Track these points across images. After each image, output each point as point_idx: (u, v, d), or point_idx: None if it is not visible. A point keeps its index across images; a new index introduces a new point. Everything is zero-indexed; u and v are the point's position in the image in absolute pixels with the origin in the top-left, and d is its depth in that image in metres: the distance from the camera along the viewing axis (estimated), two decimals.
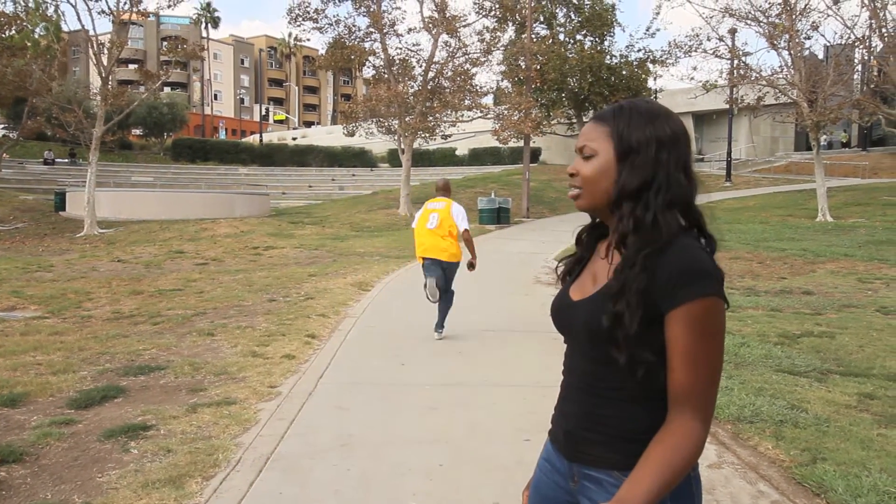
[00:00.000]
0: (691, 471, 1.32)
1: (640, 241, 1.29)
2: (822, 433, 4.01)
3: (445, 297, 7.12)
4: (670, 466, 1.21)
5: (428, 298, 6.98)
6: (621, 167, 1.34)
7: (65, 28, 28.75)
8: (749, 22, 21.66)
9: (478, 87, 26.63)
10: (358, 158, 45.24)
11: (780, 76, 21.87)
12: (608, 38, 38.04)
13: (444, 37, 25.52)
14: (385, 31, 25.53)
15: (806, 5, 20.85)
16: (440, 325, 7.10)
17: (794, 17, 20.52)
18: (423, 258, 7.14)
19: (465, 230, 7.20)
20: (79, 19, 27.75)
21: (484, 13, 26.57)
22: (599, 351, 1.34)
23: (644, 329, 1.27)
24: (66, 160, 38.96)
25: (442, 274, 7.03)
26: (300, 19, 25.60)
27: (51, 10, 23.68)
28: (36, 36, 24.77)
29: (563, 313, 1.45)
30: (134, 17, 24.42)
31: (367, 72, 28.91)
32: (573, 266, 1.52)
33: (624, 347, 1.28)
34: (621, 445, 1.32)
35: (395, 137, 26.75)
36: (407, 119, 25.39)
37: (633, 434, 1.32)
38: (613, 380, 1.34)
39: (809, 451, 3.74)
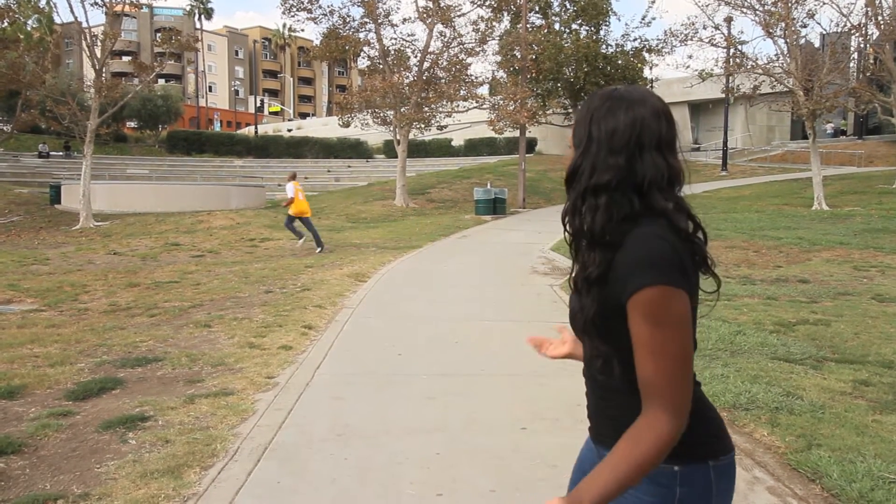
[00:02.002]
0: (711, 460, 1.34)
1: (580, 232, 1.36)
2: (817, 420, 4.04)
3: (312, 228, 14.68)
4: (628, 459, 1.22)
5: (299, 235, 15.10)
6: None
7: (57, 20, 28.64)
8: (745, 10, 21.62)
9: (473, 78, 26.54)
10: (354, 150, 45.10)
11: (777, 65, 21.83)
12: (604, 27, 37.85)
13: (439, 27, 25.39)
14: (379, 21, 25.39)
15: None
16: (320, 244, 14.52)
17: (790, 4, 20.46)
18: (303, 215, 14.64)
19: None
20: (71, 11, 27.55)
21: (479, 3, 26.44)
22: (591, 346, 1.40)
23: (609, 323, 1.31)
24: (61, 153, 38.78)
25: (307, 219, 14.70)
26: (294, 9, 25.44)
27: (43, 2, 23.59)
28: (28, 28, 24.63)
29: (571, 312, 1.49)
30: (127, 8, 24.25)
31: (362, 62, 28.81)
32: None
33: (596, 339, 1.35)
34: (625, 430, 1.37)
35: (391, 128, 26.66)
36: (402, 110, 25.30)
37: (633, 421, 1.34)
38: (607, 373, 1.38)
39: (805, 438, 3.76)
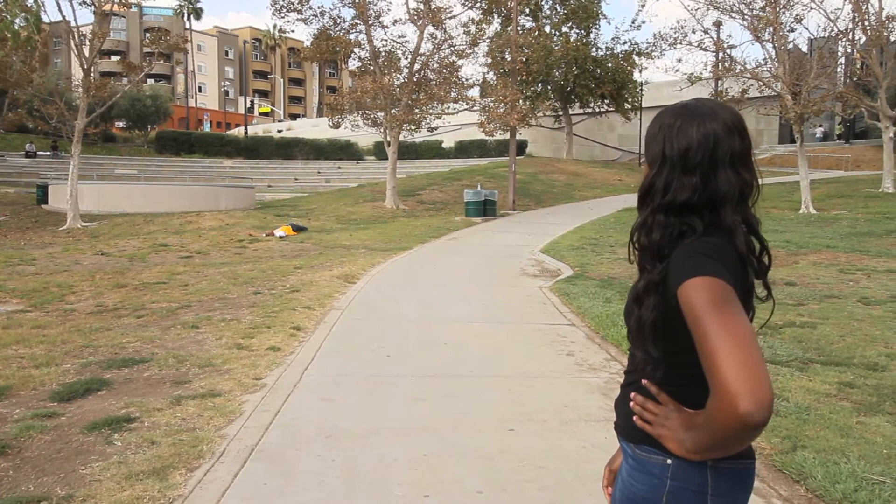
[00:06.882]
0: (710, 460, 1.30)
1: (647, 247, 1.39)
2: (802, 421, 4.07)
3: None
4: (705, 428, 1.24)
5: None
6: None
7: (45, 19, 28.41)
8: (733, 15, 21.74)
9: (463, 80, 26.54)
10: (344, 151, 45.03)
11: (765, 69, 21.97)
12: (594, 30, 38.11)
13: (430, 28, 25.39)
14: (370, 22, 25.36)
15: None
16: None
17: (777, 9, 20.61)
18: None
19: None
20: (59, 10, 27.24)
21: (469, 5, 26.48)
22: (642, 352, 1.42)
23: (665, 328, 1.34)
24: (49, 153, 38.47)
25: None
26: (284, 10, 25.37)
27: (31, 1, 23.39)
28: (16, 27, 24.45)
29: (627, 318, 1.50)
30: (116, 7, 24.08)
31: (353, 64, 28.81)
32: None
33: (651, 346, 1.38)
34: (630, 421, 1.43)
35: (381, 130, 26.63)
36: (393, 111, 25.28)
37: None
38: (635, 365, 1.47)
39: (790, 439, 3.79)
